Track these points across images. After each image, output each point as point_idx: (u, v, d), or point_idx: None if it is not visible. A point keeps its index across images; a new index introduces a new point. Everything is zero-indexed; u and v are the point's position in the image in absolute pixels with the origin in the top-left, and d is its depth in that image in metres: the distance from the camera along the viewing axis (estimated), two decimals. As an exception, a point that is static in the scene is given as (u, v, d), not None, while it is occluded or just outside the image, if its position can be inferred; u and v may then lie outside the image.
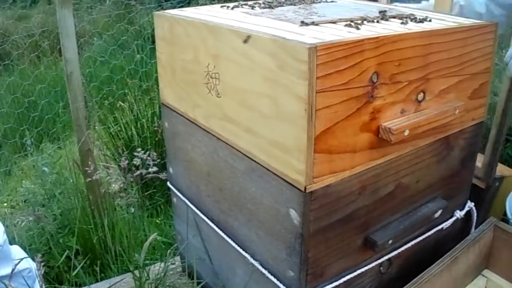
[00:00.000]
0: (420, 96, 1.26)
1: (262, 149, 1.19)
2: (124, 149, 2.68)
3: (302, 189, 1.09)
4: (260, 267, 1.32)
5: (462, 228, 1.70)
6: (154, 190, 2.60)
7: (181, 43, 1.43)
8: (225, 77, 1.26)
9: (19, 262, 1.67)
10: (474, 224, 1.70)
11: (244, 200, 1.32)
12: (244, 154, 1.26)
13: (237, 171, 1.32)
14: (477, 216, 1.73)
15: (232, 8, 1.54)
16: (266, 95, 1.12)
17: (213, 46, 1.28)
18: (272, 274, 1.29)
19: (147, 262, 2.00)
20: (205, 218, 1.54)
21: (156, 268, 1.78)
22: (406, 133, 1.18)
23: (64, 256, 1.86)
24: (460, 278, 1.50)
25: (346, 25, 1.23)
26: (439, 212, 1.45)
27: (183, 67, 1.45)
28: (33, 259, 2.10)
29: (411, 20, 1.33)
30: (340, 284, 1.30)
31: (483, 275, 1.59)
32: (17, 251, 1.99)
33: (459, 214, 1.59)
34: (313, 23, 1.23)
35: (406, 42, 1.16)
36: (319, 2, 1.65)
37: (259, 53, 1.12)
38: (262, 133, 1.17)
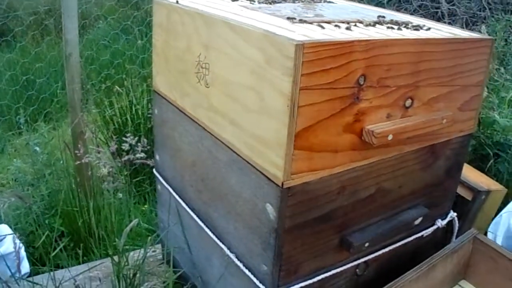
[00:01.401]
0: (408, 102, 1.26)
1: (244, 142, 1.20)
2: (118, 134, 2.69)
3: (280, 184, 1.09)
4: (235, 260, 1.33)
5: (443, 238, 1.71)
6: (143, 177, 2.60)
7: (176, 31, 1.43)
8: (214, 67, 1.27)
9: (2, 239, 1.67)
10: (455, 234, 1.71)
11: (225, 192, 1.33)
12: (227, 146, 1.27)
13: (220, 162, 1.32)
14: (461, 227, 1.74)
15: (233, 1, 1.54)
16: (251, 88, 1.13)
17: (205, 36, 1.28)
18: (247, 268, 1.30)
19: (129, 248, 2.00)
20: (186, 207, 1.54)
21: (137, 255, 1.78)
22: (390, 137, 1.18)
23: (44, 236, 1.86)
24: (436, 286, 1.50)
25: (340, 26, 1.23)
26: (419, 219, 1.46)
27: (176, 55, 1.45)
28: (19, 239, 2.12)
29: (407, 27, 1.33)
30: (314, 283, 1.30)
31: (459, 285, 1.59)
32: (5, 231, 2.00)
33: (440, 223, 1.60)
34: (305, 21, 1.23)
35: (397, 47, 1.17)
36: (319, 2, 1.65)
37: (249, 46, 1.12)
38: (245, 126, 1.18)
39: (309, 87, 1.03)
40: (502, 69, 3.44)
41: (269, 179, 1.13)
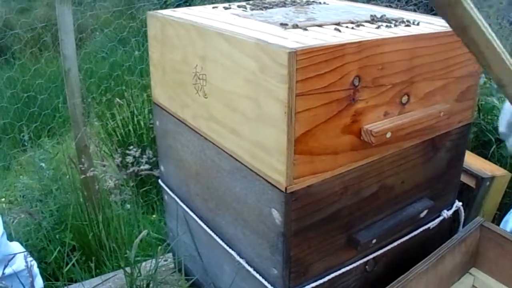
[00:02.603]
0: (404, 99, 1.27)
1: (245, 150, 1.21)
2: (121, 146, 2.70)
3: (283, 189, 1.11)
4: (245, 265, 1.35)
5: (450, 228, 1.72)
6: (150, 187, 2.63)
7: (172, 44, 1.45)
8: (211, 78, 1.28)
9: (12, 258, 1.69)
10: (462, 223, 1.72)
11: (230, 199, 1.35)
12: (229, 154, 1.28)
13: (223, 170, 1.34)
14: (467, 215, 1.75)
15: (226, 9, 1.55)
16: (248, 97, 1.14)
17: (200, 48, 1.30)
18: (257, 272, 1.32)
19: (140, 258, 2.02)
20: (194, 216, 1.56)
21: (149, 265, 1.80)
22: (388, 135, 1.20)
23: (56, 251, 1.88)
24: (446, 277, 1.51)
25: (332, 29, 1.24)
26: (425, 212, 1.47)
27: (172, 67, 1.47)
28: (32, 255, 2.14)
29: (399, 24, 1.34)
30: (324, 282, 1.32)
31: (470, 273, 1.60)
32: (16, 248, 2.02)
33: (446, 214, 1.61)
34: (298, 26, 1.25)
35: (390, 46, 1.18)
36: (311, 4, 1.66)
37: (243, 56, 1.14)
38: (245, 135, 1.20)
39: (305, 93, 1.05)
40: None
41: (272, 185, 1.14)
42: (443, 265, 1.48)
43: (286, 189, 1.11)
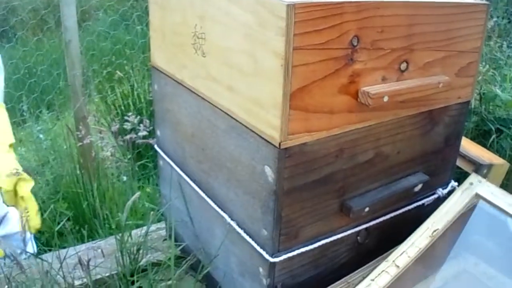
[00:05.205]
0: (403, 66, 1.27)
1: (241, 107, 1.21)
2: (120, 117, 2.71)
3: (277, 145, 1.11)
4: (236, 227, 1.34)
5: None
6: (147, 160, 2.63)
7: (171, 6, 1.44)
8: (210, 36, 1.28)
9: (4, 215, 1.69)
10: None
11: (224, 159, 1.34)
12: (225, 112, 1.28)
13: (218, 129, 1.34)
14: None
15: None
16: (246, 53, 1.14)
17: (200, 7, 1.30)
18: (247, 234, 1.31)
19: (132, 223, 2.02)
20: (188, 179, 1.56)
21: (140, 232, 1.80)
22: (385, 99, 1.19)
23: (50, 220, 1.88)
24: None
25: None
26: (419, 186, 1.47)
27: (172, 29, 1.47)
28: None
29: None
30: (315, 248, 1.31)
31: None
32: (12, 210, 2.02)
33: (441, 192, 1.60)
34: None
35: (389, 9, 1.17)
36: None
37: (242, 12, 1.13)
38: (241, 91, 1.19)
39: (302, 47, 1.04)
40: (505, 46, 3.44)
41: (266, 141, 1.14)
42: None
43: (280, 144, 1.10)
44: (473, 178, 1.53)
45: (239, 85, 1.20)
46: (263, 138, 1.15)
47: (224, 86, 1.26)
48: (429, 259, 1.44)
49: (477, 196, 1.49)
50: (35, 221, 1.54)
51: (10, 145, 1.55)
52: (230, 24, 1.18)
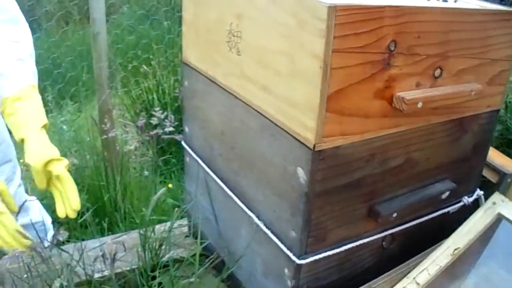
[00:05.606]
0: (437, 72, 1.26)
1: (275, 107, 1.21)
2: (145, 112, 2.71)
3: (311, 147, 1.11)
4: (263, 227, 1.34)
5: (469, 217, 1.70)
6: (170, 156, 2.63)
7: (206, 3, 1.45)
8: (246, 35, 1.28)
9: (24, 203, 1.69)
10: (481, 213, 1.70)
11: (254, 159, 1.34)
12: (259, 112, 1.28)
13: (250, 129, 1.34)
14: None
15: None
16: (283, 53, 1.14)
17: (237, 5, 1.30)
18: (274, 235, 1.31)
19: (155, 218, 2.02)
20: (215, 177, 1.56)
21: (163, 227, 1.80)
22: (420, 105, 1.19)
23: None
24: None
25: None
26: (447, 193, 1.46)
27: (206, 26, 1.47)
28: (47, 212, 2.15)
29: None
30: (341, 252, 1.31)
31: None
32: (34, 201, 2.04)
33: (467, 200, 1.59)
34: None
35: (427, 15, 1.17)
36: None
37: (281, 12, 1.13)
38: (276, 91, 1.19)
39: (341, 50, 1.04)
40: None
41: (300, 142, 1.14)
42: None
43: (314, 146, 1.10)
44: (496, 197, 1.53)
45: (274, 85, 1.20)
46: (296, 139, 1.15)
47: (258, 86, 1.26)
48: (449, 277, 1.43)
49: (499, 215, 1.49)
50: (75, 201, 1.41)
51: (44, 126, 1.48)
52: (268, 24, 1.18)
